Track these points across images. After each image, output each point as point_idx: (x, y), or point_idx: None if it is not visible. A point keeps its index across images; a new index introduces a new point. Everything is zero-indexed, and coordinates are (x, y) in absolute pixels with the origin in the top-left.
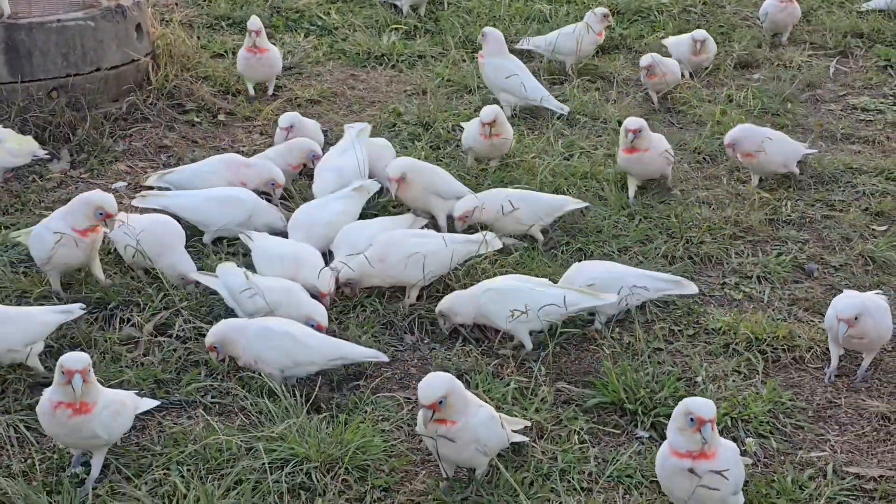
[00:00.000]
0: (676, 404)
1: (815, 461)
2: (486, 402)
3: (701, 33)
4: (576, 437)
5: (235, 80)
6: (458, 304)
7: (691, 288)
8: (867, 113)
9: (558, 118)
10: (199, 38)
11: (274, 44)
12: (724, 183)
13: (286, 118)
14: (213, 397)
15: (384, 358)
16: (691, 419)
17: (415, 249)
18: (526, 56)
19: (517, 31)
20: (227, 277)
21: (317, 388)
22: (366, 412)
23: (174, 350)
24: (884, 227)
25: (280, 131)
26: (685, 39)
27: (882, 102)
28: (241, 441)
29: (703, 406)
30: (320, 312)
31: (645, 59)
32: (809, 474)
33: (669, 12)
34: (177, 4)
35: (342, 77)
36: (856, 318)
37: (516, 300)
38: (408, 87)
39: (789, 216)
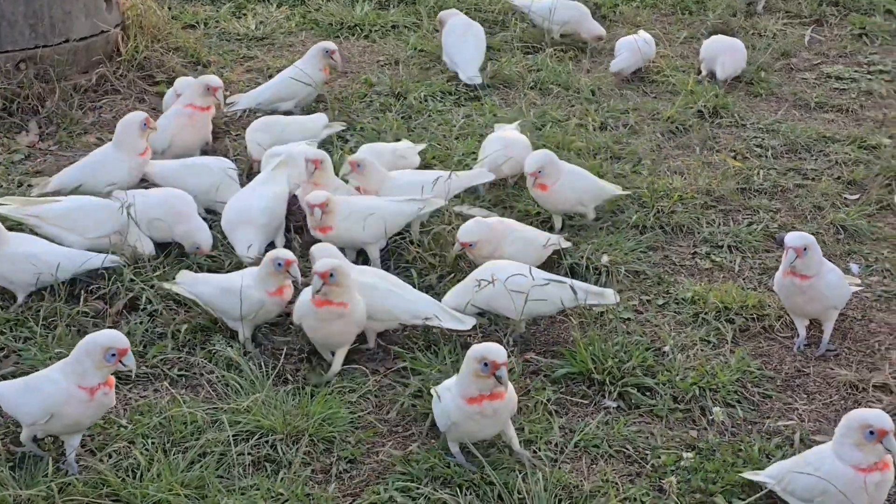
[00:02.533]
0: (644, 374)
1: (782, 430)
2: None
3: None
4: (542, 407)
5: (206, 50)
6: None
7: (609, 298)
8: (841, 81)
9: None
10: (169, 8)
11: (245, 14)
12: (696, 152)
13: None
14: (179, 370)
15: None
16: (870, 432)
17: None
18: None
19: (488, 1)
20: (193, 287)
21: (281, 360)
22: (331, 384)
23: (140, 323)
24: (855, 196)
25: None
26: None
27: (856, 71)
28: (206, 413)
29: (877, 417)
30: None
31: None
32: (776, 443)
33: None
34: None
35: None
36: (804, 249)
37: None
38: (380, 58)
39: (761, 185)
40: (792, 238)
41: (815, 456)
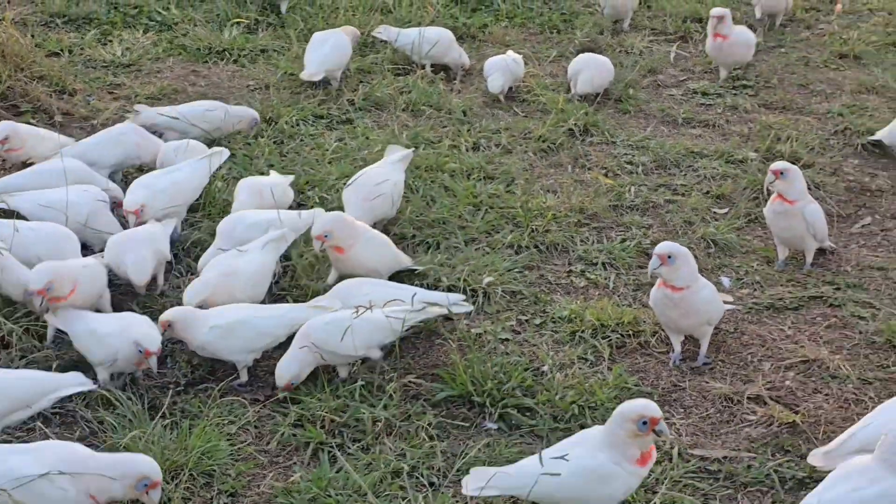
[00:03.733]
0: (524, 395)
1: (660, 445)
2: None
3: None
4: (423, 432)
5: (72, 78)
6: (189, 326)
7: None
8: (707, 97)
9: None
10: (33, 36)
11: (110, 41)
12: (568, 171)
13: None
14: (54, 408)
15: None
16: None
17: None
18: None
19: (358, 21)
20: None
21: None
22: (209, 416)
23: (11, 361)
24: (724, 210)
25: None
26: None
27: (721, 87)
28: None
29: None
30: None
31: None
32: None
33: (512, 1)
34: (8, 2)
35: (183, 73)
36: (668, 257)
37: (244, 334)
38: (250, 82)
39: (633, 202)
40: (659, 246)
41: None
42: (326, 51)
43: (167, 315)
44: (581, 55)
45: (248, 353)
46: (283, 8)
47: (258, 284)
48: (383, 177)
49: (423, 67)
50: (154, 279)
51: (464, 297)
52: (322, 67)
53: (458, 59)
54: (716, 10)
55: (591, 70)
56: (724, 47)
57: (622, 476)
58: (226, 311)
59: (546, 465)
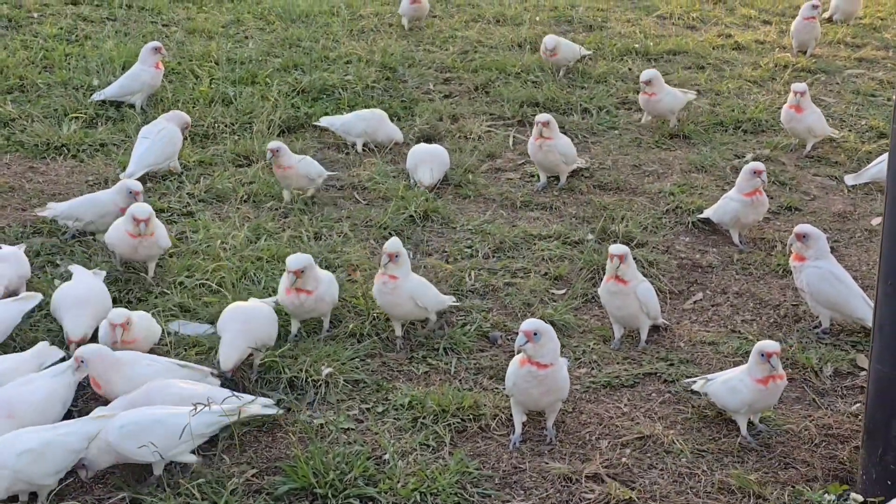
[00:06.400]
0: (366, 484)
1: None
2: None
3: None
4: None
5: None
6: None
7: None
8: None
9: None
10: None
11: None
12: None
13: None
14: None
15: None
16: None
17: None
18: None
19: (199, 114)
20: None
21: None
22: None
23: None
24: (562, 291)
25: None
26: None
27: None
28: None
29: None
30: None
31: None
32: None
33: (353, 89)
34: None
35: (20, 170)
36: (535, 334)
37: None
38: (90, 178)
39: (473, 286)
40: (525, 323)
41: None
42: (147, 146)
43: None
44: (417, 146)
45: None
46: (138, 106)
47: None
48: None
49: (354, 146)
50: None
51: (272, 401)
52: (142, 165)
53: (392, 135)
54: (541, 117)
55: (428, 162)
56: (546, 150)
57: None
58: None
59: None
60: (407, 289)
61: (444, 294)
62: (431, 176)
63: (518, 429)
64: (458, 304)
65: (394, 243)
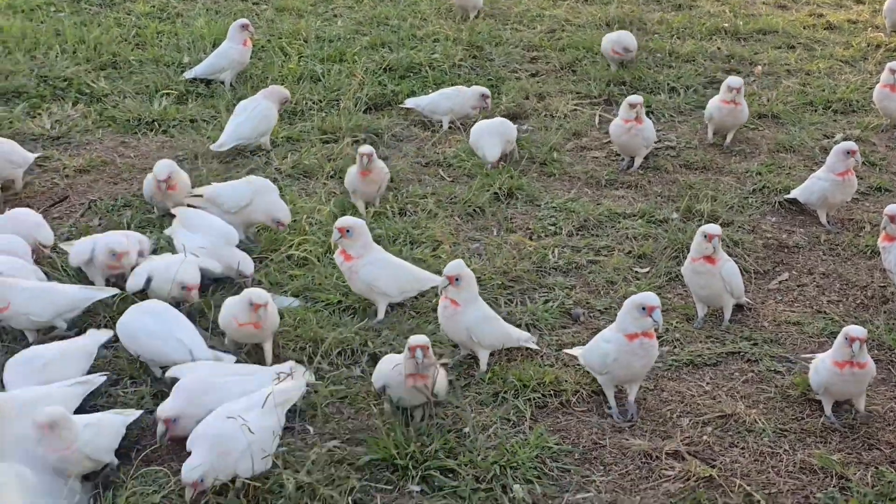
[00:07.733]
0: (447, 456)
1: (580, 503)
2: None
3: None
4: (348, 497)
5: None
6: None
7: None
8: None
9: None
10: None
11: (39, 114)
12: (493, 234)
13: None
14: None
15: None
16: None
17: None
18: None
19: (287, 90)
20: None
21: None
22: (132, 487)
23: None
24: (646, 269)
25: None
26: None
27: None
28: None
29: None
30: None
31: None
32: None
33: (441, 68)
34: None
35: (112, 145)
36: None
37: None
38: (180, 153)
39: (556, 263)
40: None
41: None
42: (240, 121)
43: None
44: (479, 122)
45: None
46: (227, 83)
47: None
48: None
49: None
50: None
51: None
52: (232, 138)
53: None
54: (634, 99)
55: (489, 137)
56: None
57: None
58: None
59: None
60: (464, 321)
61: (519, 329)
62: (493, 151)
63: (612, 403)
64: (535, 347)
65: (455, 266)
